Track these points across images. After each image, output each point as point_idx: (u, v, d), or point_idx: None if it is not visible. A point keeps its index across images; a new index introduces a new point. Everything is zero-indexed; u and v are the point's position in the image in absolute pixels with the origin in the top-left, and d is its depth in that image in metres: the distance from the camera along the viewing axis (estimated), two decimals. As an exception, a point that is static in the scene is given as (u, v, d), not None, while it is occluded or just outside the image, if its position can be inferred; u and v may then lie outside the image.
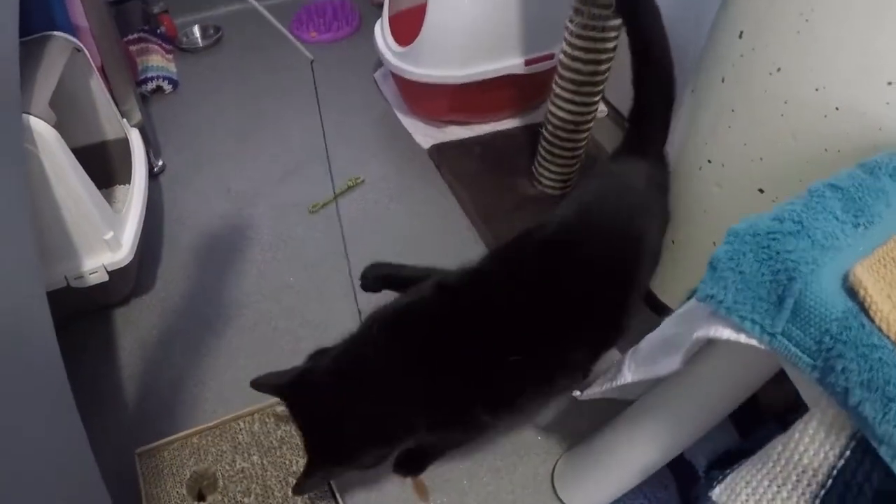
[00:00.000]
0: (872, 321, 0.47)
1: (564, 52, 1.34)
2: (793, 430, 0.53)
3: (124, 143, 1.50)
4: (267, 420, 1.09)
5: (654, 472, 0.93)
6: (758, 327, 0.54)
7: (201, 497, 1.01)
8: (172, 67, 2.06)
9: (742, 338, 0.55)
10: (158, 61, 2.03)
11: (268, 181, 1.70)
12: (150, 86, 1.95)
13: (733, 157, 0.90)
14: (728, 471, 0.61)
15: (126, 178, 1.45)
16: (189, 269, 1.47)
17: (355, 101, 1.97)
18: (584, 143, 1.50)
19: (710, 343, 0.65)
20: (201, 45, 2.22)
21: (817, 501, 0.52)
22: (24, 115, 1.06)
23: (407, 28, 1.72)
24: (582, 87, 1.35)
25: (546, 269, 0.87)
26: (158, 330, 1.35)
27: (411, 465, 1.11)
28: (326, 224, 1.56)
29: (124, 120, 1.54)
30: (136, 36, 2.11)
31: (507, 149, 1.74)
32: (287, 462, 1.03)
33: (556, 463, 1.12)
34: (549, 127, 1.46)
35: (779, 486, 0.54)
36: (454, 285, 0.88)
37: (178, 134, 1.85)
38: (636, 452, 0.92)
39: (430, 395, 0.84)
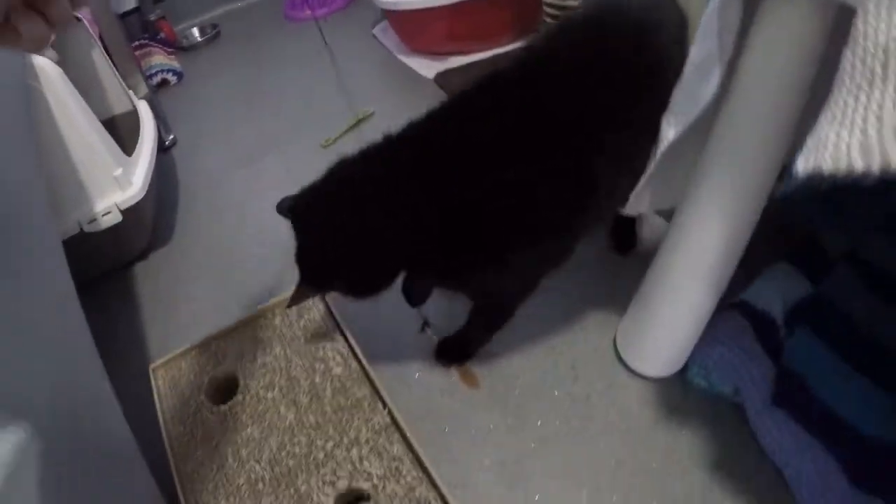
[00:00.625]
0: None
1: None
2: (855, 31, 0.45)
3: (133, 116, 1.49)
4: (288, 312, 1.02)
5: (714, 300, 0.85)
6: None
7: (221, 401, 0.94)
8: (175, 63, 2.08)
9: None
10: (162, 59, 2.05)
11: (277, 134, 1.68)
12: (157, 79, 1.97)
13: None
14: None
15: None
16: (205, 222, 1.44)
17: (359, 56, 1.97)
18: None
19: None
20: (201, 41, 2.25)
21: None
22: (25, 55, 1.05)
23: None
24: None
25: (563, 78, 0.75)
26: (177, 279, 1.31)
27: (454, 352, 1.03)
28: (341, 152, 1.53)
29: (131, 91, 1.53)
30: (137, 44, 2.13)
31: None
32: (313, 350, 0.96)
33: (615, 333, 1.04)
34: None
35: (869, 85, 0.45)
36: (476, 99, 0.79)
37: (187, 114, 1.86)
38: (686, 279, 0.84)
39: (440, 219, 0.74)
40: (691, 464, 0.87)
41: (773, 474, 0.82)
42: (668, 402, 0.95)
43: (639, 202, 0.84)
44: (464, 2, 1.62)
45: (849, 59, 0.45)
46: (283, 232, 1.28)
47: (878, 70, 0.43)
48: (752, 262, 0.98)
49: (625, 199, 0.83)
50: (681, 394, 0.95)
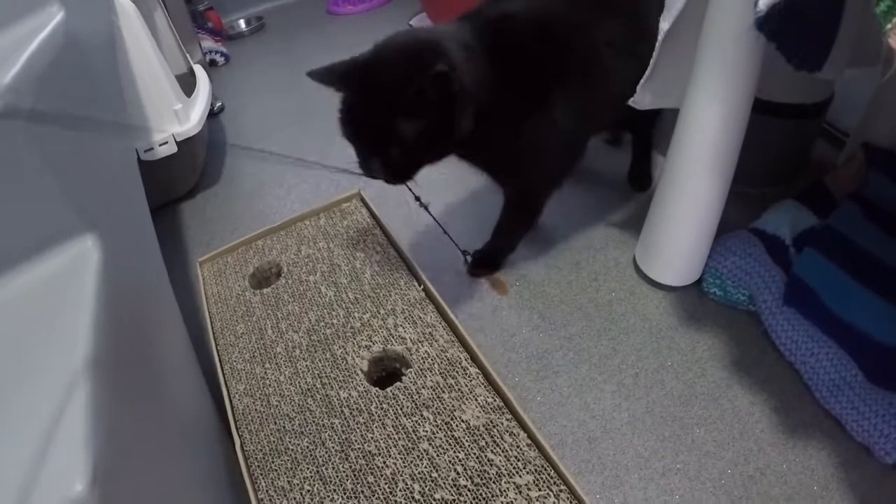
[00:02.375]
0: None
1: None
2: None
3: (189, 78, 1.59)
4: (333, 215, 1.09)
5: (723, 189, 0.92)
6: None
7: (264, 286, 1.00)
8: (223, 48, 2.21)
9: None
10: (210, 44, 2.17)
11: (321, 101, 1.73)
12: (206, 59, 2.08)
13: None
14: None
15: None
16: (250, 170, 1.52)
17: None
18: None
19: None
20: (246, 31, 2.39)
21: None
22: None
23: None
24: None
25: None
26: (221, 217, 1.39)
27: (485, 263, 1.10)
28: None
29: (188, 55, 1.64)
30: (187, 32, 2.27)
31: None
32: (354, 242, 1.02)
33: (635, 249, 1.10)
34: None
35: None
36: None
37: (234, 87, 1.97)
38: (694, 168, 0.91)
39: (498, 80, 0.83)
40: (711, 364, 0.92)
41: (791, 374, 0.88)
42: (686, 309, 1.00)
43: (643, 96, 0.91)
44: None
45: None
46: (324, 177, 1.36)
47: None
48: (764, 206, 1.06)
49: (631, 92, 0.91)
50: (698, 302, 1.01)
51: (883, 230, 1.01)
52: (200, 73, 1.57)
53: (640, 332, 0.98)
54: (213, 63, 2.12)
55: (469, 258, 1.10)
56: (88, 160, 0.69)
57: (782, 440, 0.81)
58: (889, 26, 0.53)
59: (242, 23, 2.44)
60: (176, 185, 1.41)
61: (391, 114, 0.77)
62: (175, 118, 1.29)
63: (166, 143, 1.28)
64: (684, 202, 0.95)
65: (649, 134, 1.20)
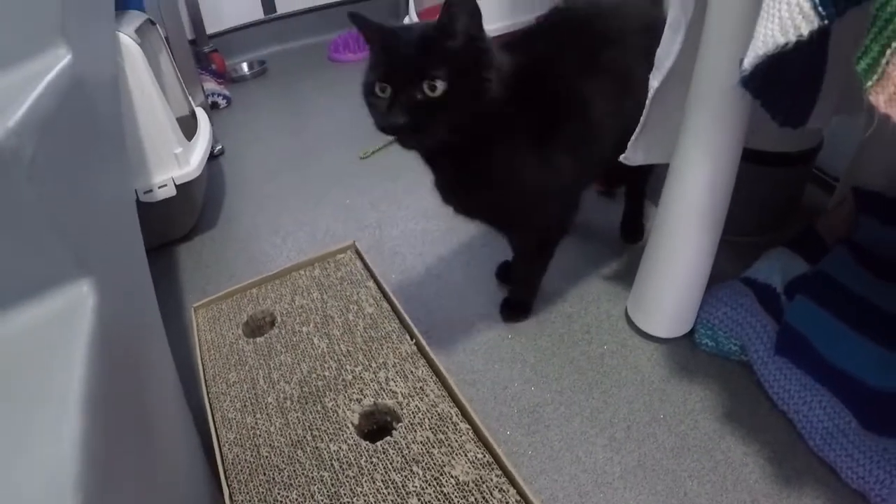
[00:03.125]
0: None
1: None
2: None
3: (190, 120, 1.62)
4: (328, 265, 1.10)
5: (712, 243, 0.94)
6: None
7: (258, 335, 1.01)
8: (225, 90, 2.24)
9: None
10: (213, 86, 2.21)
11: (318, 147, 1.81)
12: (208, 101, 2.11)
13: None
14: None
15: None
16: (248, 214, 1.54)
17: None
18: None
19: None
20: (249, 75, 2.43)
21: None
22: (116, 32, 1.20)
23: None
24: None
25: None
26: (217, 260, 1.39)
27: (515, 309, 1.14)
28: (377, 165, 1.66)
29: (190, 98, 1.67)
30: (190, 74, 2.31)
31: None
32: (348, 294, 1.03)
33: (627, 301, 1.11)
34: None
35: None
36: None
37: (234, 131, 2.00)
38: (684, 223, 0.93)
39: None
40: (703, 415, 0.92)
41: (784, 423, 0.88)
42: (678, 361, 1.01)
43: (635, 152, 0.94)
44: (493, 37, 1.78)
45: None
46: (321, 224, 1.38)
47: None
48: (755, 254, 1.07)
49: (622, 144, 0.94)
50: (690, 354, 1.02)
51: (874, 274, 1.02)
52: (202, 117, 1.59)
53: (632, 384, 0.98)
54: (214, 105, 2.15)
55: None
56: (87, 203, 0.70)
57: (776, 490, 0.81)
58: (870, 84, 0.55)
59: (245, 66, 2.48)
60: (173, 226, 1.42)
61: (424, 55, 0.78)
62: (175, 162, 1.31)
63: (166, 185, 1.30)
64: (675, 255, 0.96)
65: (642, 187, 1.22)
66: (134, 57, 1.23)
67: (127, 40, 1.23)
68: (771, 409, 0.90)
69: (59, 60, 0.71)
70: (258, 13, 2.68)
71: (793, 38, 0.60)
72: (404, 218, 1.39)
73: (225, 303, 1.07)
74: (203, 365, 0.96)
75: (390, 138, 1.67)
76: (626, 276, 1.14)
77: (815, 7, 0.59)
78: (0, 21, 0.73)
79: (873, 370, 0.88)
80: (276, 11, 2.70)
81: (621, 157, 0.94)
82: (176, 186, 1.31)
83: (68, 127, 0.69)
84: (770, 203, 1.22)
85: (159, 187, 1.30)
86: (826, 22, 0.59)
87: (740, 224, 1.15)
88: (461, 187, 0.94)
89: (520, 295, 1.12)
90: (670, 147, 0.90)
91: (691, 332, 1.03)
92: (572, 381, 1.00)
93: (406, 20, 2.01)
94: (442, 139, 0.81)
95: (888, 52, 0.53)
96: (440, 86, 0.76)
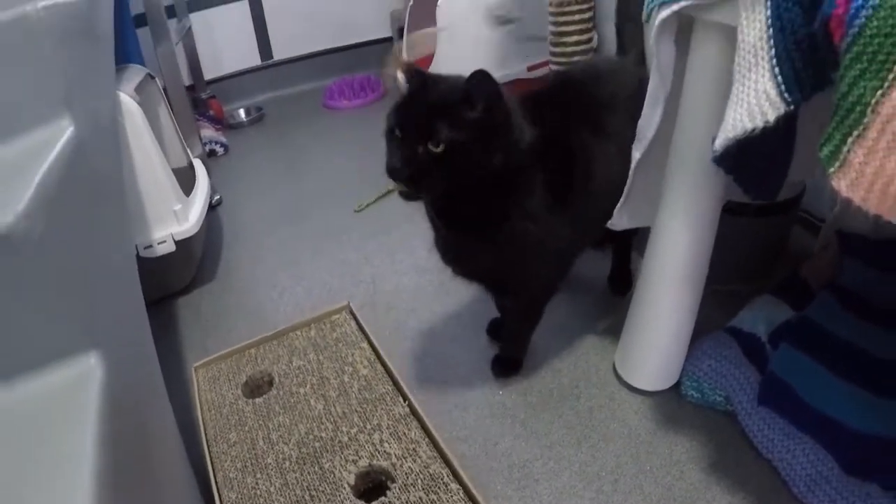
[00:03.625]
0: None
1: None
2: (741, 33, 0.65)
3: (188, 171, 1.66)
4: (323, 326, 1.14)
5: (694, 300, 0.98)
6: None
7: (256, 395, 1.04)
8: (222, 137, 2.29)
9: (676, 6, 0.72)
10: (210, 133, 2.26)
11: (314, 199, 1.85)
12: (205, 149, 2.16)
13: None
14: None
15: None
16: (246, 267, 1.58)
17: (387, 141, 2.17)
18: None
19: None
20: (246, 122, 2.49)
21: (772, 56, 0.63)
22: (116, 92, 1.24)
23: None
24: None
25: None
26: (216, 313, 1.42)
27: (506, 365, 1.16)
28: (371, 218, 1.70)
29: (188, 150, 1.72)
30: (188, 120, 2.36)
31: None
32: (343, 355, 1.07)
33: (615, 355, 1.14)
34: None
35: (748, 70, 0.65)
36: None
37: (232, 180, 2.04)
38: (666, 282, 0.97)
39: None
40: (689, 466, 0.95)
41: (769, 471, 0.91)
42: (665, 412, 1.04)
43: (620, 218, 0.98)
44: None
45: (737, 58, 0.66)
46: (317, 279, 1.41)
47: (753, 60, 0.64)
48: (741, 303, 1.11)
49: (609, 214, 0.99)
50: (676, 405, 1.05)
51: (861, 317, 1.06)
52: (200, 171, 1.64)
53: (620, 437, 1.01)
54: (212, 153, 2.19)
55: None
56: (91, 270, 0.73)
57: (760, 540, 0.83)
58: (832, 170, 0.60)
59: (242, 112, 2.54)
60: (172, 280, 1.45)
61: (438, 113, 0.82)
62: (174, 218, 1.35)
63: (165, 241, 1.34)
64: (659, 311, 1.00)
65: (629, 242, 1.26)
66: (134, 116, 1.28)
67: (127, 100, 1.27)
68: (756, 458, 0.93)
69: (63, 132, 0.74)
70: (255, 59, 2.75)
71: (760, 124, 0.64)
72: (398, 272, 1.43)
73: (224, 363, 1.10)
74: (204, 425, 0.99)
75: (384, 191, 1.73)
76: (615, 330, 1.17)
77: (781, 94, 0.63)
78: (6, 92, 0.77)
79: (857, 414, 0.91)
80: (272, 58, 2.77)
81: (608, 223, 0.98)
82: (175, 242, 1.35)
83: (73, 198, 0.72)
84: (755, 252, 1.25)
85: (159, 243, 1.33)
86: (792, 107, 0.64)
87: (726, 273, 1.19)
88: (463, 247, 0.97)
89: (510, 351, 1.16)
90: (654, 211, 0.95)
91: (677, 384, 1.06)
92: (561, 435, 1.02)
93: (399, 74, 2.07)
94: (438, 194, 0.86)
95: (849, 140, 0.57)
96: (442, 147, 0.81)
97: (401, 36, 2.10)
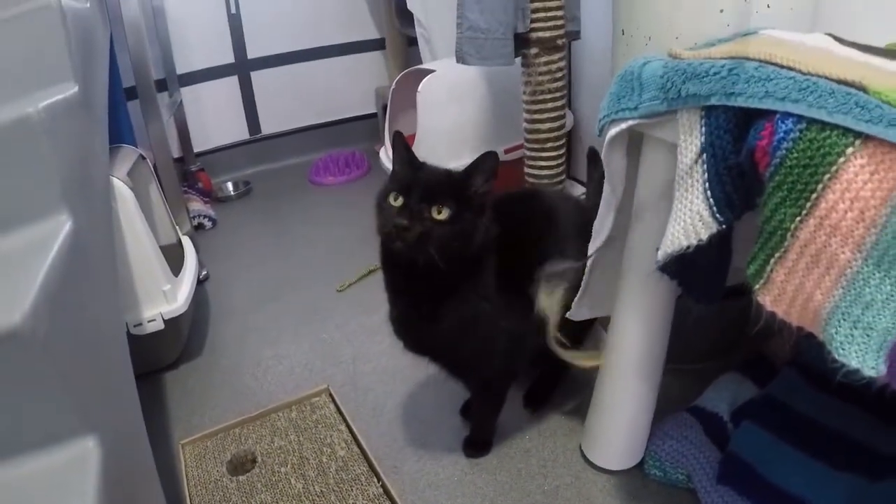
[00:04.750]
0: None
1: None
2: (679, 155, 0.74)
3: (177, 248, 1.74)
4: (304, 408, 1.21)
5: (653, 388, 1.05)
6: (627, 111, 0.79)
7: (240, 473, 1.10)
8: (210, 210, 2.37)
9: (624, 125, 0.81)
10: (199, 206, 2.34)
11: (299, 277, 1.92)
12: (193, 223, 2.23)
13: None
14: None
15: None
16: (232, 344, 1.63)
17: (371, 218, 2.23)
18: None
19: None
20: (234, 195, 2.57)
21: (704, 180, 0.71)
22: (110, 177, 1.32)
23: None
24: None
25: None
26: (202, 389, 1.47)
27: (476, 445, 1.22)
28: (353, 298, 1.78)
29: (177, 227, 1.79)
30: (177, 192, 2.45)
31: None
32: (322, 437, 1.14)
33: (581, 436, 1.20)
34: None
35: (685, 191, 0.73)
36: None
37: (219, 255, 2.11)
38: (626, 373, 1.05)
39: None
40: (652, 544, 1.00)
41: None
42: (629, 491, 1.10)
43: (580, 309, 1.06)
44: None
45: (676, 178, 0.75)
46: (299, 359, 1.47)
47: (689, 181, 0.72)
48: (708, 380, 1.18)
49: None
50: (640, 483, 1.11)
51: (822, 392, 1.10)
52: (189, 249, 1.71)
53: (585, 518, 1.06)
54: (200, 227, 2.27)
55: None
56: (88, 357, 0.79)
57: None
58: (757, 286, 0.68)
59: (230, 186, 2.63)
60: (160, 357, 1.51)
61: (444, 185, 0.94)
62: (163, 298, 1.41)
63: (154, 320, 1.40)
64: (620, 395, 1.07)
65: (559, 370, 1.33)
66: (126, 201, 1.36)
67: (120, 185, 1.35)
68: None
69: (62, 227, 0.80)
70: (244, 133, 2.86)
71: (694, 241, 0.73)
72: (377, 354, 1.49)
73: (210, 440, 1.15)
74: (191, 500, 1.04)
75: (365, 271, 1.81)
76: (582, 411, 1.23)
77: (713, 214, 0.72)
78: (7, 189, 0.84)
79: (816, 489, 0.95)
80: (261, 132, 2.88)
81: (567, 314, 1.06)
82: (164, 321, 1.40)
83: (72, 290, 0.78)
84: (720, 331, 1.32)
85: (148, 321, 1.39)
86: (724, 227, 0.72)
87: (692, 353, 1.27)
88: (419, 321, 1.04)
89: (479, 433, 1.21)
90: (612, 302, 1.03)
91: (642, 463, 1.12)
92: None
93: (381, 152, 2.19)
94: (429, 258, 0.92)
95: (772, 260, 0.66)
96: (446, 213, 0.91)
97: (385, 113, 2.21)
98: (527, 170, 1.75)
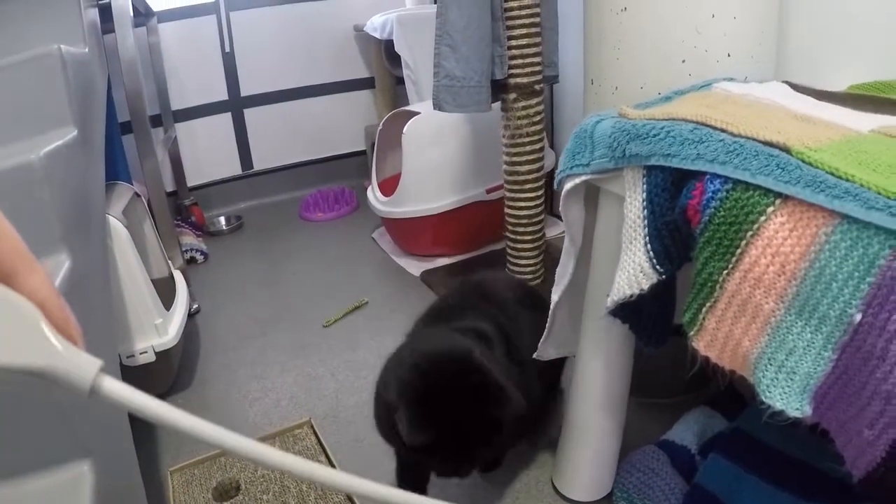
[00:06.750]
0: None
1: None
2: (625, 209, 0.81)
3: (169, 282, 1.80)
4: (287, 439, 1.27)
5: (618, 424, 1.11)
6: (580, 167, 0.86)
7: (225, 499, 1.15)
8: (203, 244, 2.44)
9: (578, 180, 0.88)
10: (191, 240, 2.40)
11: (287, 312, 1.98)
12: (185, 257, 2.29)
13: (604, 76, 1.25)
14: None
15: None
16: (220, 377, 1.69)
17: (358, 254, 2.35)
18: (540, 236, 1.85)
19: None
20: (226, 229, 2.64)
21: (645, 234, 0.78)
22: (106, 216, 1.39)
23: (392, 189, 2.16)
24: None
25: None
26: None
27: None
28: (339, 333, 1.83)
29: (169, 261, 1.86)
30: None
31: (485, 263, 2.10)
32: (302, 468, 1.19)
33: (552, 469, 1.26)
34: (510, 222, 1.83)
35: (629, 243, 0.80)
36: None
37: (210, 288, 2.18)
38: (591, 409, 1.10)
39: None
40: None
41: None
42: (597, 523, 1.14)
43: (546, 349, 1.13)
44: (446, 212, 2.05)
45: (623, 230, 0.81)
46: (285, 392, 1.53)
47: (632, 233, 0.79)
48: (679, 413, 1.23)
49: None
50: (608, 516, 1.15)
51: (792, 424, 1.15)
52: (180, 284, 1.77)
53: (554, 548, 1.11)
54: (192, 260, 2.33)
55: None
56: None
57: None
58: (692, 333, 0.74)
59: (223, 220, 2.70)
60: (151, 387, 1.54)
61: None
62: (155, 331, 1.47)
63: (146, 352, 1.45)
64: (587, 430, 1.13)
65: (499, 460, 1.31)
66: (121, 239, 1.42)
67: (115, 223, 1.41)
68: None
69: (62, 266, 0.85)
70: (237, 168, 2.94)
71: (636, 291, 0.79)
72: (360, 389, 1.54)
73: (197, 468, 1.21)
74: (178, 529, 1.09)
75: (351, 307, 1.87)
76: (555, 443, 1.29)
77: (653, 266, 0.79)
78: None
79: None
80: (252, 167, 2.96)
81: (535, 355, 1.13)
82: (155, 353, 1.46)
83: None
84: (689, 367, 1.38)
85: (140, 353, 1.44)
86: (664, 277, 0.79)
87: (663, 387, 1.32)
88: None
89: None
90: (576, 342, 1.09)
91: (610, 495, 1.17)
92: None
93: (369, 191, 2.26)
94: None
95: (703, 309, 0.72)
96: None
97: (374, 151, 2.29)
98: (507, 210, 1.83)
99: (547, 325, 1.09)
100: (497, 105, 1.73)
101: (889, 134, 0.73)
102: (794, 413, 0.65)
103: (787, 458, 1.09)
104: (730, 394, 1.27)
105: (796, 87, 0.95)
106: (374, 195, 2.22)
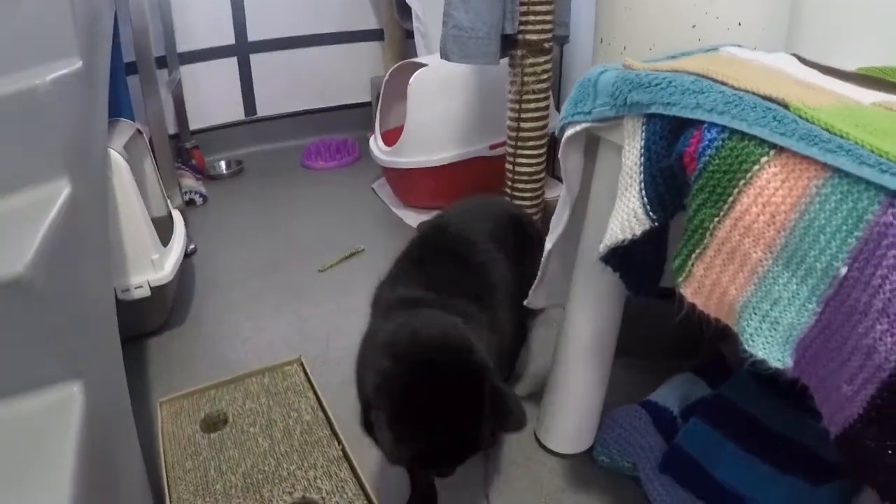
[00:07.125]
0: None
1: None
2: (623, 157, 0.82)
3: (167, 220, 1.80)
4: (276, 375, 1.29)
5: (602, 374, 1.13)
6: (582, 115, 0.87)
7: (212, 431, 1.18)
8: (202, 187, 2.44)
9: (579, 127, 0.89)
10: (191, 182, 2.40)
11: (283, 256, 2.00)
12: (185, 199, 2.29)
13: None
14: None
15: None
16: (214, 316, 1.71)
17: (358, 204, 2.35)
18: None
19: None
20: (226, 174, 2.64)
21: (641, 181, 0.79)
22: (107, 149, 1.39)
23: (394, 140, 2.15)
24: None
25: None
26: (183, 356, 1.54)
27: None
28: (334, 279, 1.85)
29: (168, 200, 1.86)
30: (171, 168, 2.51)
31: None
32: (290, 402, 1.22)
33: (536, 420, 1.28)
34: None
35: (625, 190, 0.81)
36: None
37: (208, 231, 2.18)
38: (577, 359, 1.12)
39: None
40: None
41: None
42: (577, 474, 1.17)
43: (537, 297, 1.14)
44: (447, 165, 2.05)
45: (620, 177, 0.82)
46: (277, 333, 1.53)
47: (628, 180, 0.79)
48: (664, 378, 1.25)
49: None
50: (588, 468, 1.18)
51: (776, 397, 1.14)
52: (178, 222, 1.77)
53: (529, 492, 1.13)
54: (191, 202, 2.33)
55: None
56: (78, 311, 0.86)
57: None
58: (680, 279, 0.75)
59: (223, 164, 2.69)
60: (145, 322, 1.57)
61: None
62: (151, 266, 1.48)
63: (141, 287, 1.46)
64: (571, 382, 1.15)
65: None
66: (122, 173, 1.42)
67: (117, 157, 1.41)
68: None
69: (62, 192, 0.87)
70: (240, 114, 2.92)
71: (629, 236, 0.80)
72: (351, 333, 1.51)
73: (187, 400, 1.23)
74: (164, 453, 1.12)
75: (346, 254, 1.88)
76: (539, 395, 1.31)
77: (647, 212, 0.79)
78: (11, 154, 0.90)
79: (758, 487, 1.01)
80: (256, 113, 2.94)
81: (525, 302, 1.14)
82: (151, 288, 1.47)
83: (67, 249, 0.85)
84: (679, 332, 1.39)
85: (136, 288, 1.45)
86: (656, 223, 0.79)
87: (650, 350, 1.34)
88: None
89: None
90: (567, 291, 1.10)
91: (591, 449, 1.19)
92: (476, 483, 1.15)
93: (371, 140, 2.25)
94: None
95: (693, 256, 0.73)
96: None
97: (379, 101, 2.28)
98: (508, 166, 1.82)
99: (539, 272, 1.10)
100: (505, 61, 1.72)
101: (889, 108, 0.73)
102: (775, 363, 0.66)
103: (767, 429, 1.11)
104: (715, 363, 1.29)
105: (804, 61, 0.94)
106: (376, 144, 2.22)
